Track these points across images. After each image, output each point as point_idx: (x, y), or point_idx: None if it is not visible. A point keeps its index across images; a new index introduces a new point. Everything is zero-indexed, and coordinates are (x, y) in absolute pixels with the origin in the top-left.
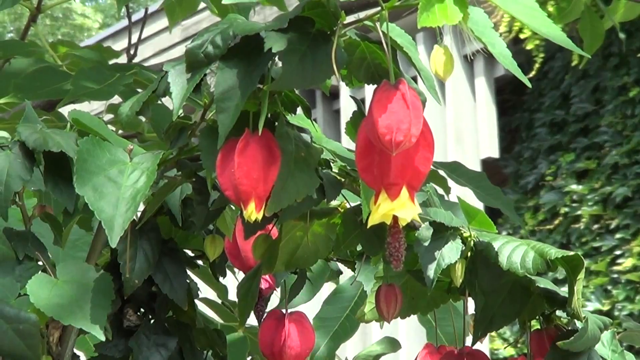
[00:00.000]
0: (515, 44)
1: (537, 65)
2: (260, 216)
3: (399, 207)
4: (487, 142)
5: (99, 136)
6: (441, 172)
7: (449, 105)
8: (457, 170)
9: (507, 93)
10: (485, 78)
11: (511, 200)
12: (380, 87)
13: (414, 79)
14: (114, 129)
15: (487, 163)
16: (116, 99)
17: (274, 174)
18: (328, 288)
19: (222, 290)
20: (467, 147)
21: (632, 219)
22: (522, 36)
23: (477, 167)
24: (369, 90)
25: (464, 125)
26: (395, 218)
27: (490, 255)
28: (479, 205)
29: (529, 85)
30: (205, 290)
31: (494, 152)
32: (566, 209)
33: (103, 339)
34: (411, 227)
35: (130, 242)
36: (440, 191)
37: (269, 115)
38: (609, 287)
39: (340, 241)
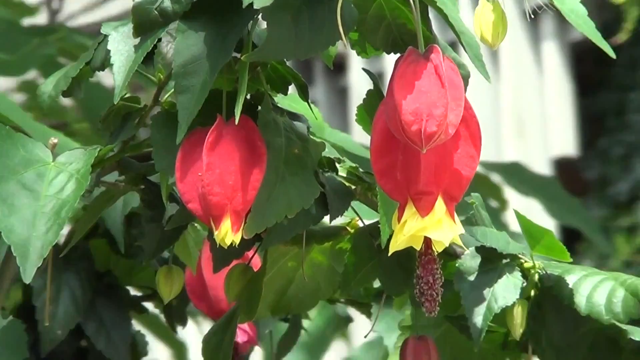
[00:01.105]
0: None
1: (629, 26)
2: (237, 239)
3: (433, 226)
4: (560, 135)
5: (10, 124)
6: (494, 177)
7: (505, 82)
8: (517, 174)
9: (588, 64)
10: (556, 43)
11: (595, 216)
12: (405, 58)
13: (453, 45)
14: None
15: (560, 164)
16: (31, 74)
17: (257, 180)
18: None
19: (180, 348)
20: (530, 142)
21: None
22: None
23: (545, 169)
24: (389, 61)
25: (527, 111)
26: (427, 241)
27: (562, 295)
28: (547, 224)
29: (613, 55)
30: (156, 348)
31: (570, 148)
32: None
33: None
34: (450, 254)
35: (52, 277)
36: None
37: (250, 97)
38: None
39: (350, 275)
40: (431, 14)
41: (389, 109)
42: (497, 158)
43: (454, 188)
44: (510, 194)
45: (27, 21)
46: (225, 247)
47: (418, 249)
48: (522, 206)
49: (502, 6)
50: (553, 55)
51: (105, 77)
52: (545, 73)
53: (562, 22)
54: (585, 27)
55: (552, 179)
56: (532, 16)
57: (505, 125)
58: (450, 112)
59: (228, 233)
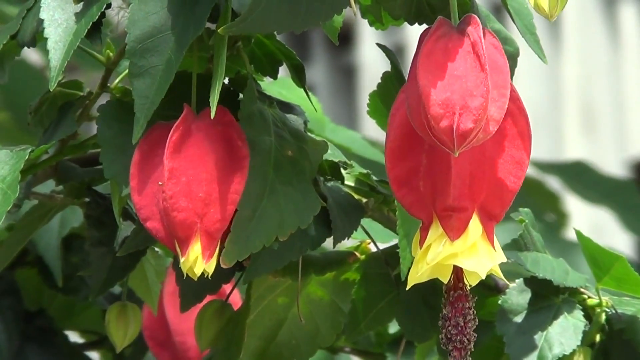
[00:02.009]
0: None
1: None
2: (210, 268)
3: (466, 253)
4: None
5: None
6: (551, 183)
7: (569, 60)
8: (583, 175)
9: None
10: (636, 7)
11: None
12: (433, 31)
13: (497, 13)
14: None
15: (639, 166)
16: None
17: (237, 191)
18: None
19: None
20: (602, 138)
21: None
22: None
23: (620, 171)
24: (411, 32)
25: (596, 98)
26: (458, 272)
27: (637, 341)
28: (621, 241)
29: None
30: None
31: None
32: None
33: None
34: (490, 288)
35: None
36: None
37: (228, 81)
38: None
39: (359, 315)
40: None
41: (411, 98)
42: (556, 159)
43: (494, 203)
44: (572, 204)
45: None
46: (195, 279)
47: (445, 281)
48: (589, 219)
49: None
50: (632, 23)
51: (32, 54)
52: (622, 46)
53: None
54: None
55: (628, 182)
56: None
57: (568, 117)
58: (491, 103)
59: (198, 260)
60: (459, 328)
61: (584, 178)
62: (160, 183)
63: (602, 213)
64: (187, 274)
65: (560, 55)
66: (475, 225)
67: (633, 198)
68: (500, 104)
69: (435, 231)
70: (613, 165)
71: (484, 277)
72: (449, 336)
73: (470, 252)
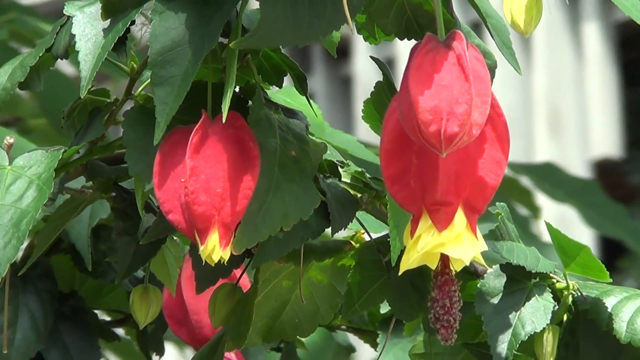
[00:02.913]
0: None
1: None
2: (227, 255)
3: (452, 242)
4: (601, 132)
5: None
6: (523, 181)
7: (538, 70)
8: (551, 176)
9: (636, 49)
10: (598, 25)
11: None
12: (423, 46)
13: (475, 28)
14: None
15: (601, 166)
16: None
17: (249, 187)
18: None
19: None
20: (567, 141)
21: None
22: None
23: (583, 172)
24: (401, 46)
25: (563, 104)
26: (444, 259)
27: (600, 320)
28: (585, 234)
29: None
30: None
31: (612, 148)
32: None
33: None
34: (470, 273)
35: (9, 298)
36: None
37: (239, 90)
38: None
39: (354, 296)
40: None
41: (403, 105)
42: (528, 160)
43: (477, 198)
44: (542, 199)
45: None
46: (213, 265)
47: (433, 267)
48: (557, 213)
49: None
50: (594, 40)
51: (65, 65)
52: (586, 59)
53: (604, 1)
54: (633, 9)
55: (591, 182)
56: None
57: (537, 121)
58: (474, 110)
59: (215, 248)
60: (446, 309)
61: (551, 178)
62: (182, 180)
63: (569, 209)
64: (205, 261)
65: (531, 67)
66: (460, 217)
67: (596, 196)
68: (482, 110)
69: (425, 223)
70: (577, 165)
71: (468, 264)
72: (437, 316)
73: (455, 242)
